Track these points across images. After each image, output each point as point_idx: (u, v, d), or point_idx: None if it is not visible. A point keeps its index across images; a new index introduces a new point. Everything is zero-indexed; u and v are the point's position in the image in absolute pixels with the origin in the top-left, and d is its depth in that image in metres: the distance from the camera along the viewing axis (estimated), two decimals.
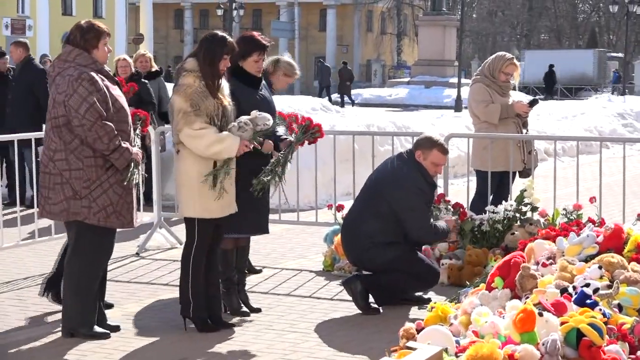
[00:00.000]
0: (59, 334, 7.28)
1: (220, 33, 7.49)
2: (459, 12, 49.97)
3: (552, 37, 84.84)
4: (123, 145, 7.07)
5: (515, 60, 10.41)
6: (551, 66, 55.05)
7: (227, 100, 7.39)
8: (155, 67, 13.74)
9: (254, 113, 7.41)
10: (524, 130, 10.42)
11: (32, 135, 10.32)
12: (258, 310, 8.03)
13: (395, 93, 46.44)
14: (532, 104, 10.31)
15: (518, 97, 10.63)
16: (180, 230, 9.46)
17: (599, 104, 33.25)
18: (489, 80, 10.27)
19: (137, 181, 7.24)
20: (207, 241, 7.41)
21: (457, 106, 38.57)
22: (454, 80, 43.22)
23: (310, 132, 7.72)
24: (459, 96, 39.66)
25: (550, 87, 54.06)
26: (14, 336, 7.37)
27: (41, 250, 10.40)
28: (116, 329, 7.42)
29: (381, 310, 8.08)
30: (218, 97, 7.29)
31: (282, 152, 7.64)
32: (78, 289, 7.16)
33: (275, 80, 9.15)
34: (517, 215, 9.39)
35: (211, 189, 7.25)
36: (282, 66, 9.09)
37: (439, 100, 43.35)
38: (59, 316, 7.50)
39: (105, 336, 7.22)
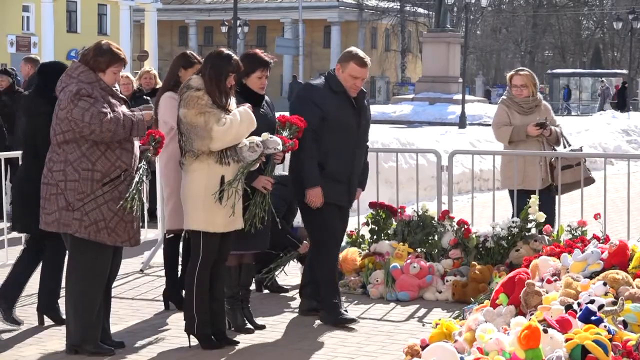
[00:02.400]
0: (64, 351, 7.27)
1: (225, 51, 7.49)
2: (463, 29, 50.01)
3: (557, 53, 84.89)
4: (134, 119, 7.11)
5: (521, 71, 10.29)
6: (624, 83, 55.81)
7: None
8: (159, 84, 13.74)
9: (265, 135, 7.42)
10: (557, 149, 10.26)
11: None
12: (262, 327, 8.02)
13: (400, 110, 46.42)
14: (541, 125, 10.15)
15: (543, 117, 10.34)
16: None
17: (603, 120, 33.24)
18: (510, 100, 10.23)
19: (136, 208, 7.14)
20: (212, 256, 7.40)
21: (462, 123, 38.54)
22: (458, 96, 43.20)
23: (293, 129, 7.75)
24: (463, 113, 39.65)
25: (622, 102, 54.46)
26: (18, 353, 7.36)
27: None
28: (120, 345, 7.41)
29: (356, 319, 8.15)
30: (227, 113, 7.29)
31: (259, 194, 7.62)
32: (77, 306, 7.15)
33: None
34: (522, 232, 9.38)
35: (218, 202, 7.26)
36: None
37: (443, 116, 43.32)
38: (63, 333, 7.49)
39: (109, 353, 7.21)
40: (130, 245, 7.33)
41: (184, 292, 7.64)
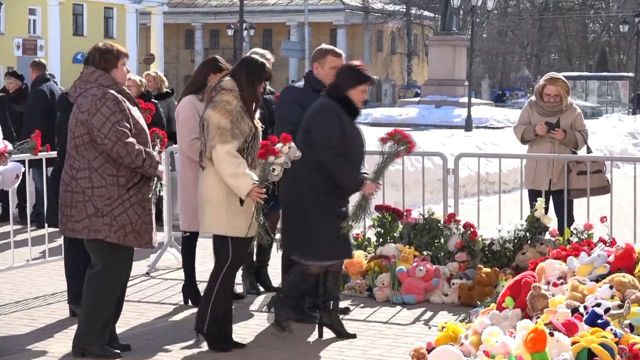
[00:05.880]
0: (70, 354, 7.28)
1: (260, 59, 7.58)
2: (469, 32, 49.95)
3: (563, 57, 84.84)
4: (148, 158, 7.11)
5: (556, 81, 10.22)
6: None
7: (260, 124, 7.46)
8: (166, 87, 13.74)
9: (285, 149, 7.40)
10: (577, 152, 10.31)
11: (41, 155, 10.32)
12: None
13: (406, 113, 46.40)
14: (550, 126, 10.13)
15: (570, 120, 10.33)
16: None
17: (609, 123, 33.20)
18: (534, 101, 10.37)
19: (161, 193, 7.39)
20: (241, 260, 7.40)
21: (468, 126, 38.54)
22: (464, 99, 43.17)
23: (401, 143, 7.83)
24: (469, 116, 39.64)
25: None
26: (25, 356, 7.37)
27: (51, 269, 10.41)
28: (127, 348, 7.42)
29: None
30: (253, 119, 7.32)
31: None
32: (95, 309, 7.18)
33: None
34: (528, 234, 9.37)
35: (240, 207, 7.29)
36: None
37: (449, 119, 43.31)
38: (69, 335, 7.51)
39: (115, 356, 7.22)
40: (150, 247, 7.37)
41: (203, 291, 7.61)
